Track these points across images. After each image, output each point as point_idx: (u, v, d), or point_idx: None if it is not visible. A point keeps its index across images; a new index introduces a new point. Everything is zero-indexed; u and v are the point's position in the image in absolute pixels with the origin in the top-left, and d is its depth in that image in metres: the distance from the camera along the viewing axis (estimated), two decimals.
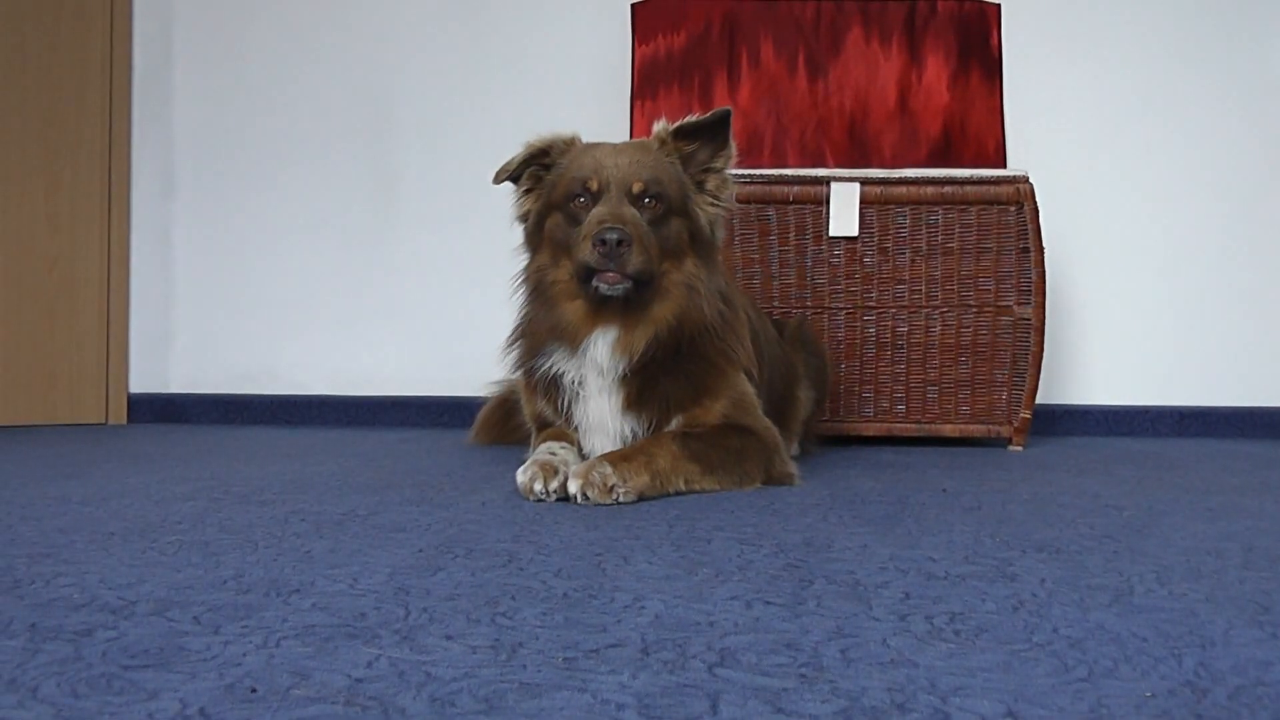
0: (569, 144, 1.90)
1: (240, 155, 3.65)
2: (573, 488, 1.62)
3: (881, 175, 2.83)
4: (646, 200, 1.80)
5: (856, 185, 2.79)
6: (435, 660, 0.80)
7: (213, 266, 3.67)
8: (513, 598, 1.01)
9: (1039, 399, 2.88)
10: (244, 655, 0.81)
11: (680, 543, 1.31)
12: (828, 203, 2.79)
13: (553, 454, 1.76)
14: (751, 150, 3.24)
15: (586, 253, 1.74)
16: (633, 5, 3.33)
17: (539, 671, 0.77)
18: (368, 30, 3.62)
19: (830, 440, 2.80)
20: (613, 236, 1.70)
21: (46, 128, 3.43)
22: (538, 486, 1.67)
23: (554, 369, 1.90)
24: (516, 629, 0.89)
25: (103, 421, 3.57)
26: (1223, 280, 3.38)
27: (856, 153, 3.22)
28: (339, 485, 1.88)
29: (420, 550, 1.25)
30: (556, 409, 1.93)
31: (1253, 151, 3.38)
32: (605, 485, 1.62)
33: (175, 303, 3.68)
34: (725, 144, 1.91)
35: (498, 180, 1.95)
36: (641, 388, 1.85)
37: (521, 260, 1.98)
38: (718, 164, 1.91)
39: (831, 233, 2.81)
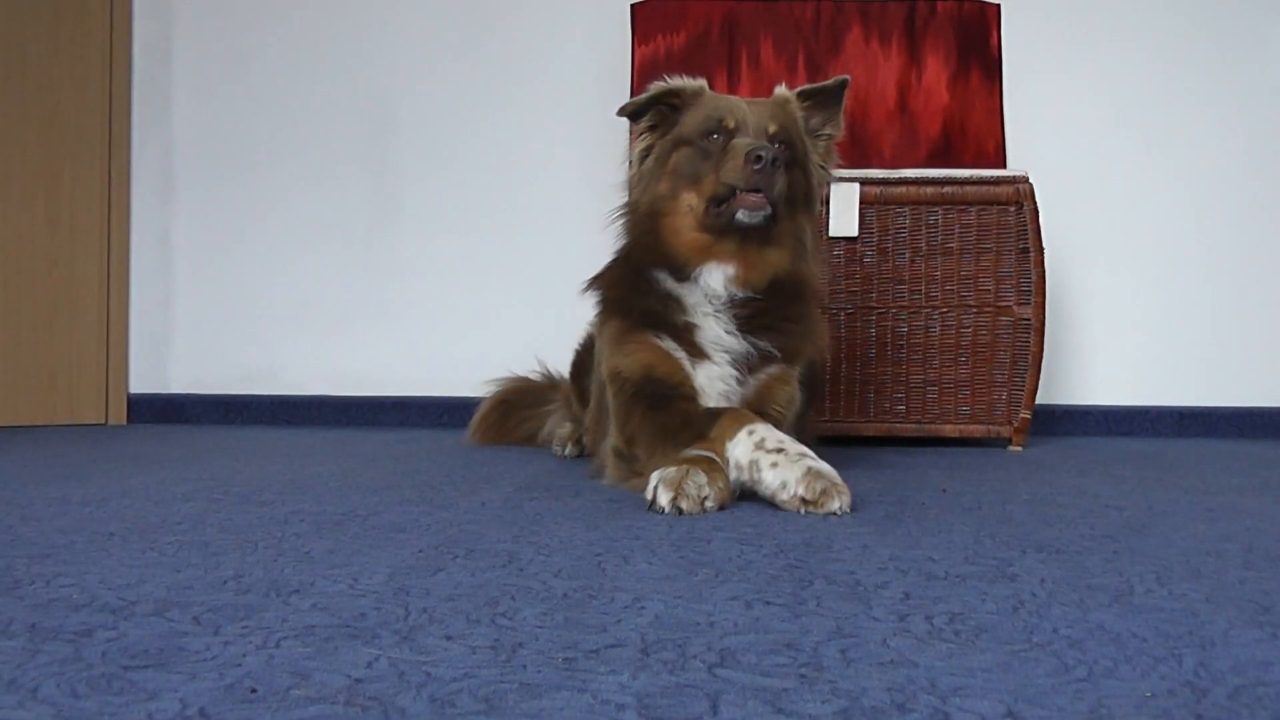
0: (699, 90, 1.94)
1: (240, 156, 3.65)
2: (663, 499, 1.53)
3: (881, 175, 2.83)
4: (778, 144, 1.82)
5: (856, 185, 2.79)
6: (435, 660, 0.80)
7: (213, 267, 3.67)
8: (513, 598, 1.01)
9: (1039, 399, 2.88)
10: (244, 655, 0.81)
11: (680, 543, 1.31)
12: (827, 203, 2.79)
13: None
14: None
15: (734, 172, 1.75)
16: (632, 6, 3.33)
17: (539, 672, 0.77)
18: (368, 31, 3.62)
19: (830, 440, 2.80)
20: (768, 154, 1.72)
21: (46, 128, 3.43)
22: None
23: (666, 290, 1.85)
24: (516, 629, 0.89)
25: (103, 422, 3.57)
26: (1223, 280, 3.38)
27: (856, 153, 3.22)
28: (339, 486, 1.88)
29: (420, 550, 1.25)
30: (672, 331, 1.84)
31: (1253, 151, 3.38)
32: (699, 496, 1.54)
33: (175, 303, 3.68)
34: (839, 113, 1.98)
35: (622, 113, 1.97)
36: (749, 318, 1.84)
37: (621, 198, 1.99)
38: (828, 130, 1.98)
39: (831, 233, 2.81)
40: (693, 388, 1.83)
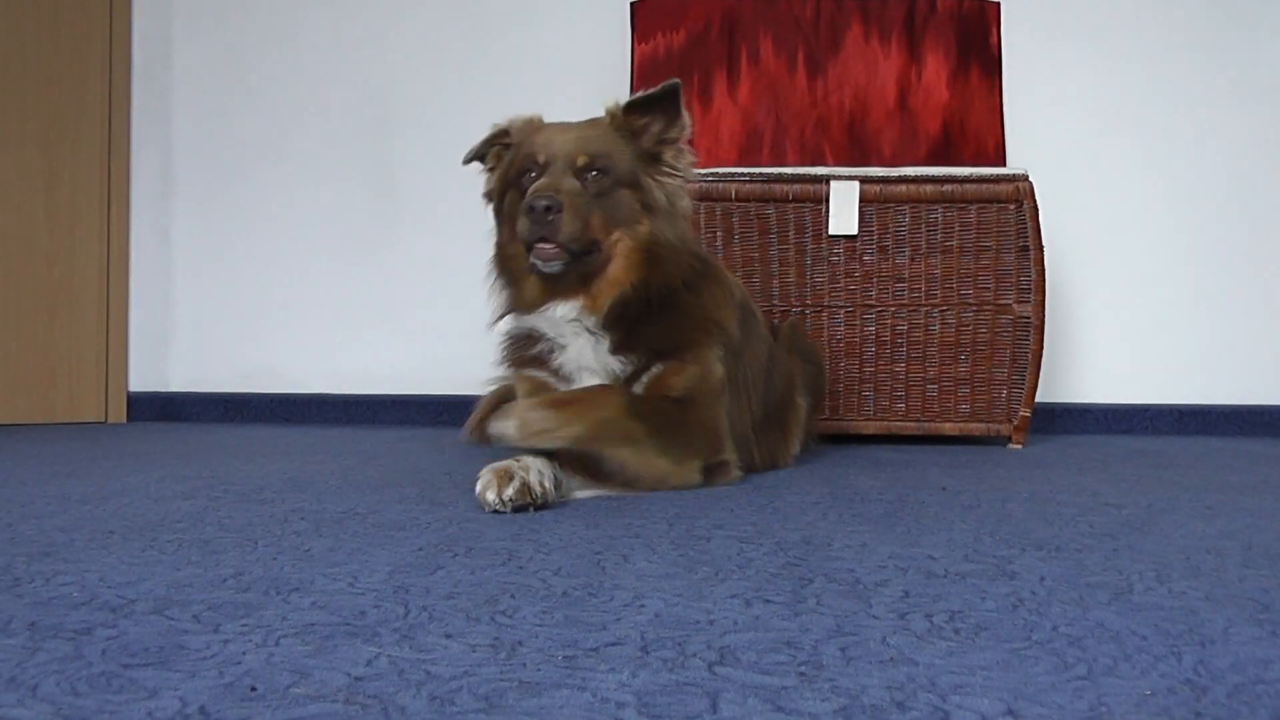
0: (528, 124, 1.97)
1: (240, 155, 3.65)
2: (498, 429, 1.59)
3: (881, 174, 2.82)
4: (593, 173, 1.83)
5: (856, 184, 2.79)
6: (435, 659, 0.80)
7: (212, 265, 3.67)
8: (512, 596, 1.01)
9: (1038, 397, 2.88)
10: (243, 654, 0.81)
11: (680, 541, 1.31)
12: (827, 201, 2.79)
13: (517, 460, 1.62)
14: (751, 148, 3.24)
15: (521, 223, 1.79)
16: (632, 4, 3.33)
17: (539, 670, 0.77)
18: (368, 30, 3.62)
19: (830, 438, 2.80)
20: (540, 203, 1.74)
21: (46, 128, 3.43)
22: (490, 496, 1.53)
23: (526, 328, 1.96)
24: (516, 627, 0.89)
25: (102, 420, 3.57)
26: (1223, 279, 3.38)
27: (856, 151, 3.22)
28: (338, 484, 1.88)
29: (420, 549, 1.25)
30: (544, 368, 1.95)
31: (1253, 149, 3.38)
32: (534, 429, 1.59)
33: (175, 302, 3.68)
34: (678, 115, 1.93)
35: (465, 161, 2.03)
36: (626, 334, 1.87)
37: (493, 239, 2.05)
38: (672, 134, 1.94)
39: (831, 231, 2.80)
40: None
